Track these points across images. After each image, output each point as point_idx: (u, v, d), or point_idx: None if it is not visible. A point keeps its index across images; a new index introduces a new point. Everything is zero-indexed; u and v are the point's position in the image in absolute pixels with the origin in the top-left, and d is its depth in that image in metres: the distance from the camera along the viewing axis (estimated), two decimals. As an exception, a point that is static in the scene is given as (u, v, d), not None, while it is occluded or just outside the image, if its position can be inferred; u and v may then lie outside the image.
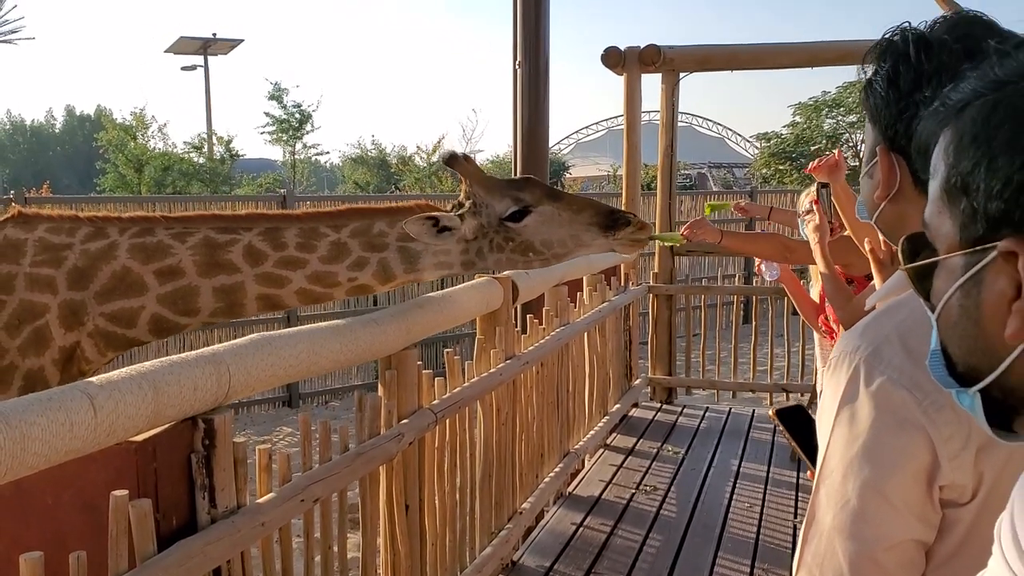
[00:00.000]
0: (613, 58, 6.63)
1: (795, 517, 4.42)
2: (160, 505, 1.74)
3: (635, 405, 6.60)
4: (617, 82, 6.79)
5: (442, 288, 3.39)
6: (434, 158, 23.30)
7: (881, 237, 1.27)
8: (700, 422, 6.28)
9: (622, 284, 6.14)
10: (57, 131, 62.62)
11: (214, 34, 31.64)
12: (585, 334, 5.18)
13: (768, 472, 5.16)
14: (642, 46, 6.58)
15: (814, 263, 3.30)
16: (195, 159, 22.77)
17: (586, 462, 5.33)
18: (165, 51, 31.87)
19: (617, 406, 6.00)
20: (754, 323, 7.06)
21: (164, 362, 1.81)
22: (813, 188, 3.62)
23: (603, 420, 5.62)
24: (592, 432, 5.34)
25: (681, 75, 6.82)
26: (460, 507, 3.38)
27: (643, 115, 7.22)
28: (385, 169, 24.59)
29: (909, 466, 0.98)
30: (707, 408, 6.69)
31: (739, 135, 42.74)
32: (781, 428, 1.41)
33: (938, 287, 0.66)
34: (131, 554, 1.65)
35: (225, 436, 1.91)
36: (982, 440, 0.95)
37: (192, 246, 2.46)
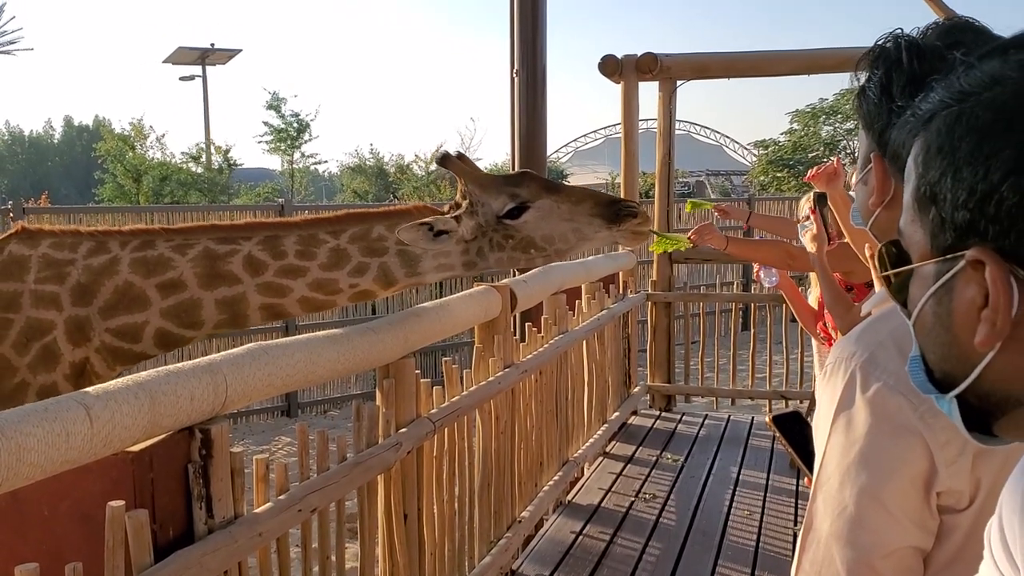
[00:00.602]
0: (610, 66, 6.64)
1: (795, 524, 4.41)
2: (157, 516, 1.73)
3: (634, 413, 6.59)
4: (615, 90, 6.80)
5: (441, 293, 3.39)
6: (432, 167, 23.33)
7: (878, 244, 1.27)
8: (699, 430, 6.26)
9: (621, 292, 6.14)
10: (55, 141, 62.67)
11: (212, 44, 31.78)
12: (584, 342, 5.18)
13: (768, 479, 5.15)
14: (639, 54, 6.59)
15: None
16: (193, 169, 22.79)
17: (585, 470, 5.32)
18: (163, 61, 31.99)
19: (616, 414, 5.99)
20: (753, 330, 7.05)
21: (160, 372, 1.81)
22: (812, 194, 3.62)
23: (602, 428, 5.61)
24: (591, 440, 5.32)
25: (678, 83, 6.83)
26: (459, 516, 3.37)
27: (641, 123, 7.22)
28: (383, 178, 24.59)
29: (906, 472, 0.98)
30: (706, 416, 6.68)
31: (737, 143, 42.89)
32: (778, 435, 1.41)
33: (913, 294, 0.67)
34: (128, 565, 1.64)
35: (222, 446, 1.90)
36: (979, 445, 0.95)
37: (192, 258, 2.45)
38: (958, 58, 0.65)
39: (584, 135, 45.83)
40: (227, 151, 23.05)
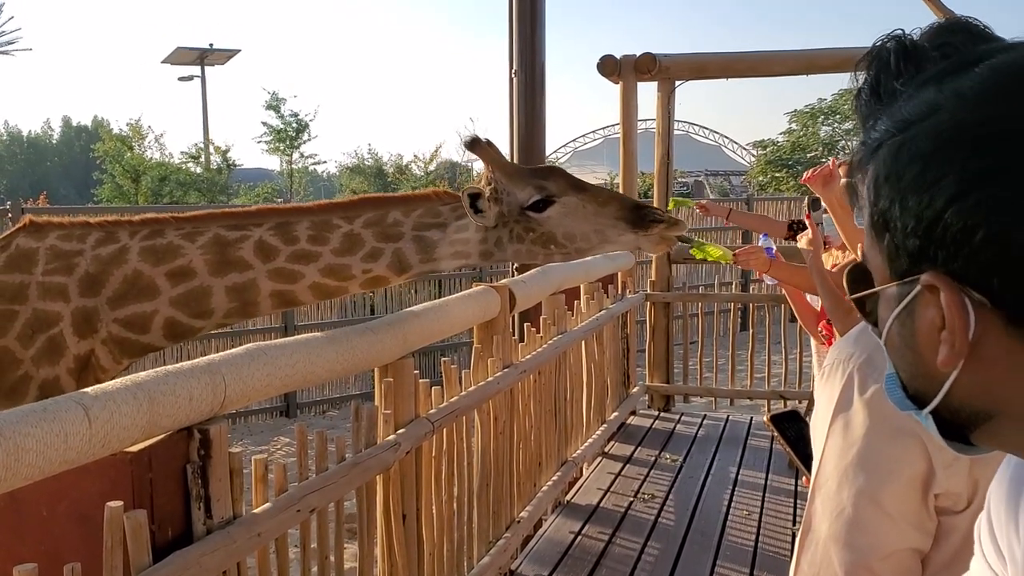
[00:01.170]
0: (609, 67, 6.64)
1: (793, 525, 4.41)
2: (155, 516, 1.73)
3: (633, 413, 6.59)
4: (613, 91, 6.81)
5: (440, 293, 3.39)
6: (431, 167, 23.33)
7: None
8: (698, 430, 6.27)
9: (619, 292, 6.14)
10: (54, 142, 62.62)
11: (211, 44, 31.78)
12: (583, 342, 5.18)
13: (766, 479, 5.15)
14: (638, 55, 6.60)
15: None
16: (192, 169, 22.77)
17: (584, 470, 5.32)
18: (162, 62, 31.99)
19: (615, 414, 5.99)
20: (751, 330, 7.05)
21: (159, 372, 1.81)
22: (807, 199, 3.62)
23: (601, 428, 5.61)
24: (590, 440, 5.32)
25: (677, 83, 6.83)
26: (458, 516, 3.37)
27: (639, 123, 7.22)
28: (382, 178, 24.59)
29: (904, 474, 0.98)
30: (705, 416, 6.68)
31: (736, 143, 42.87)
32: (776, 434, 1.41)
33: (881, 315, 0.69)
34: (126, 566, 1.64)
35: (221, 446, 1.90)
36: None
37: (202, 245, 2.42)
38: (897, 87, 0.66)
39: (583, 135, 45.85)
40: (226, 151, 23.05)
